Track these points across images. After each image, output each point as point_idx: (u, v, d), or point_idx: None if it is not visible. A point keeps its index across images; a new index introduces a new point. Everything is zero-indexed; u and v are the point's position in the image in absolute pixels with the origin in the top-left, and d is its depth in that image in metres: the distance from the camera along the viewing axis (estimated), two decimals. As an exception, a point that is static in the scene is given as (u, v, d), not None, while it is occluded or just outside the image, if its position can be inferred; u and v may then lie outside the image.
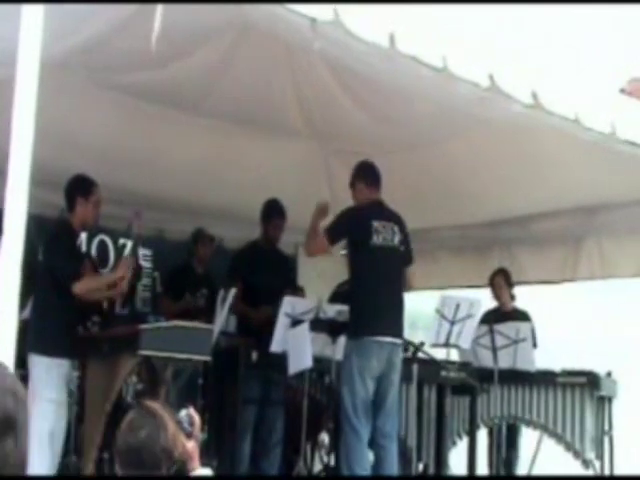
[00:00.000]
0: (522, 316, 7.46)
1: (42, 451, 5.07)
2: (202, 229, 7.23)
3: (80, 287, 5.23)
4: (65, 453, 5.43)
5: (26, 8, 2.74)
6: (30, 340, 5.21)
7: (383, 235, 5.53)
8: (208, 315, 6.38)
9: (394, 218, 5.64)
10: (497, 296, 7.53)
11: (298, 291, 6.97)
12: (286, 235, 7.00)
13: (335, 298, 6.68)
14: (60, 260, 5.29)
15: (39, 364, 5.17)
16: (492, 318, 7.12)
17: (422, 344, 6.23)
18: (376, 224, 5.53)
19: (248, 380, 6.02)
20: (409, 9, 3.78)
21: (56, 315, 5.25)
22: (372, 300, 5.46)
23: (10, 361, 2.61)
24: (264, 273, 6.50)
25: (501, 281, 7.49)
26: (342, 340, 5.56)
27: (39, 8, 2.74)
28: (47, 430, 5.11)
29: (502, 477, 6.90)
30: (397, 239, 5.59)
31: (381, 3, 3.63)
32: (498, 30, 4.34)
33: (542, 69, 4.40)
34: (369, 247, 5.51)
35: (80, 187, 5.47)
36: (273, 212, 6.67)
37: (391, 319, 5.49)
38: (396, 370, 5.49)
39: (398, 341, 5.50)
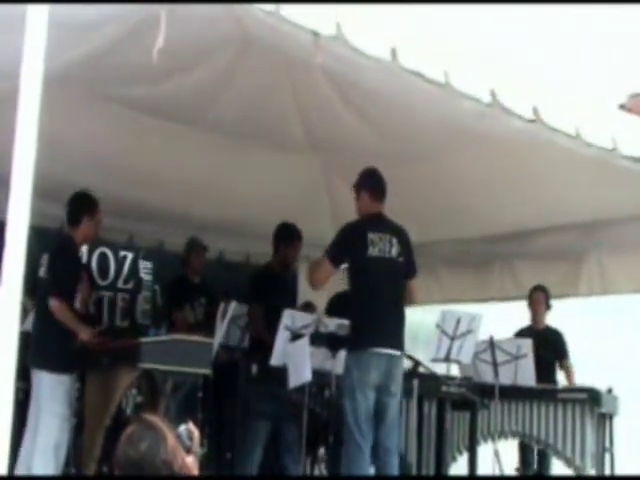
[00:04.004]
0: (556, 335, 7.50)
1: (47, 464, 5.15)
2: (195, 238, 7.20)
3: (56, 306, 5.25)
4: (64, 465, 5.45)
5: (30, 21, 2.75)
6: (34, 356, 5.23)
7: (379, 247, 5.52)
8: (207, 326, 6.41)
9: (392, 230, 5.62)
10: (534, 312, 7.54)
11: (310, 307, 6.97)
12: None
13: (331, 310, 6.70)
14: (59, 274, 5.35)
15: (44, 380, 5.20)
16: (526, 336, 7.14)
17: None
18: (372, 236, 5.51)
19: (259, 395, 6.01)
20: (411, 24, 3.80)
21: (59, 331, 5.26)
22: (370, 312, 5.44)
23: (11, 374, 2.61)
24: (280, 295, 6.48)
25: (541, 297, 7.52)
26: (342, 354, 5.55)
27: (43, 21, 2.75)
28: (52, 443, 5.17)
29: (502, 477, 6.89)
30: (395, 251, 5.57)
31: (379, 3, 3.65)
32: (500, 46, 4.37)
33: (543, 85, 4.42)
34: (365, 259, 5.49)
35: (87, 204, 5.58)
36: (293, 235, 6.63)
37: (390, 330, 5.46)
38: (395, 382, 5.46)
39: (397, 353, 5.46)
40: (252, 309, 6.39)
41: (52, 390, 5.20)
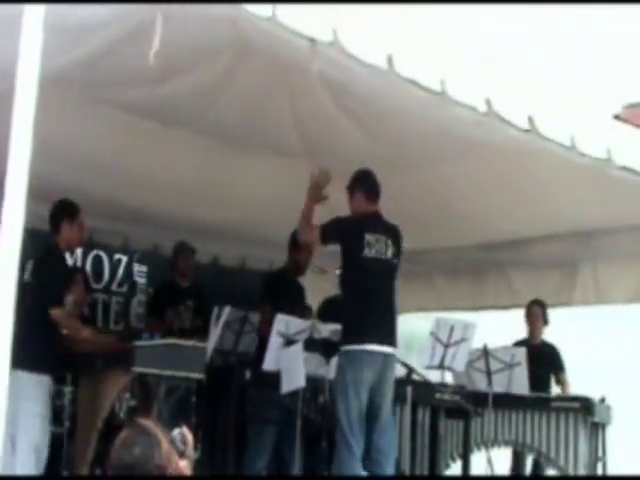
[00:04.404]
0: (552, 350, 7.50)
1: (28, 464, 5.16)
2: (183, 242, 7.19)
3: (56, 314, 5.32)
4: (57, 468, 5.44)
5: (26, 22, 2.75)
6: (15, 356, 5.23)
7: (376, 248, 5.54)
8: (195, 331, 6.44)
9: (388, 231, 5.65)
10: (531, 326, 7.53)
11: (306, 310, 6.98)
12: (281, 253, 7.00)
13: (321, 315, 6.70)
14: (49, 281, 5.39)
15: (22, 379, 5.19)
16: None
17: None
18: (368, 237, 5.54)
19: (261, 400, 6.02)
20: (408, 31, 3.82)
21: (41, 332, 5.28)
22: (363, 312, 5.45)
23: (4, 376, 2.62)
24: (290, 301, 6.48)
25: (538, 311, 7.50)
26: (336, 359, 5.55)
27: (39, 22, 2.75)
28: (33, 444, 5.18)
29: (498, 477, 6.91)
30: (390, 252, 5.60)
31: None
32: (496, 55, 4.38)
33: (539, 94, 4.44)
34: (360, 259, 5.51)
35: (65, 210, 5.63)
36: None
37: (383, 330, 5.47)
38: (389, 382, 5.46)
39: (390, 350, 5.47)
40: (261, 311, 6.41)
41: (31, 390, 5.21)
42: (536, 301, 7.52)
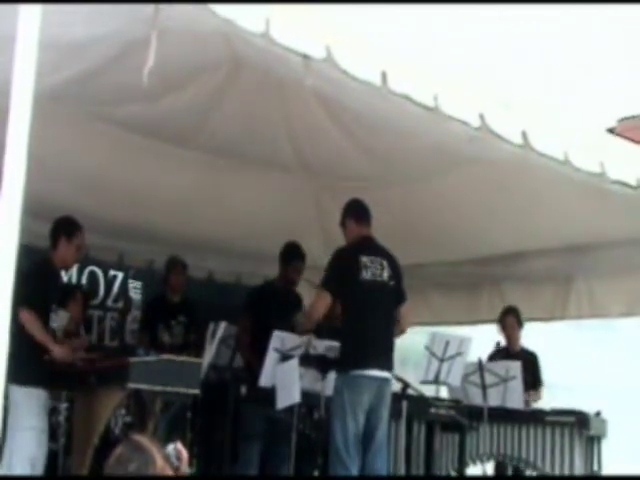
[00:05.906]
0: (530, 357, 7.47)
1: (25, 474, 5.11)
2: (175, 256, 7.18)
3: (25, 316, 5.17)
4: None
5: (20, 40, 2.76)
6: (9, 371, 5.22)
7: (372, 270, 5.56)
8: (189, 344, 6.43)
9: (383, 253, 5.67)
10: (508, 337, 7.52)
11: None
12: (276, 269, 7.00)
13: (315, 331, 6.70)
14: (31, 290, 5.30)
15: (19, 394, 5.18)
16: (501, 358, 7.14)
17: None
18: (364, 259, 5.56)
19: (250, 415, 6.01)
20: (401, 48, 3.84)
21: (31, 345, 5.26)
22: (362, 334, 5.45)
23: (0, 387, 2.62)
24: (277, 313, 6.42)
25: (513, 322, 7.48)
26: (332, 376, 5.55)
27: (33, 40, 2.76)
28: (28, 457, 5.18)
29: (494, 477, 6.88)
30: (386, 274, 5.61)
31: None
32: (489, 70, 4.40)
33: (532, 109, 4.46)
34: (358, 282, 5.52)
35: (65, 228, 5.61)
36: (294, 255, 6.64)
37: (381, 353, 5.49)
38: (385, 405, 5.47)
39: (388, 375, 5.49)
40: (239, 324, 6.40)
41: (27, 404, 5.20)
42: (509, 310, 7.51)
